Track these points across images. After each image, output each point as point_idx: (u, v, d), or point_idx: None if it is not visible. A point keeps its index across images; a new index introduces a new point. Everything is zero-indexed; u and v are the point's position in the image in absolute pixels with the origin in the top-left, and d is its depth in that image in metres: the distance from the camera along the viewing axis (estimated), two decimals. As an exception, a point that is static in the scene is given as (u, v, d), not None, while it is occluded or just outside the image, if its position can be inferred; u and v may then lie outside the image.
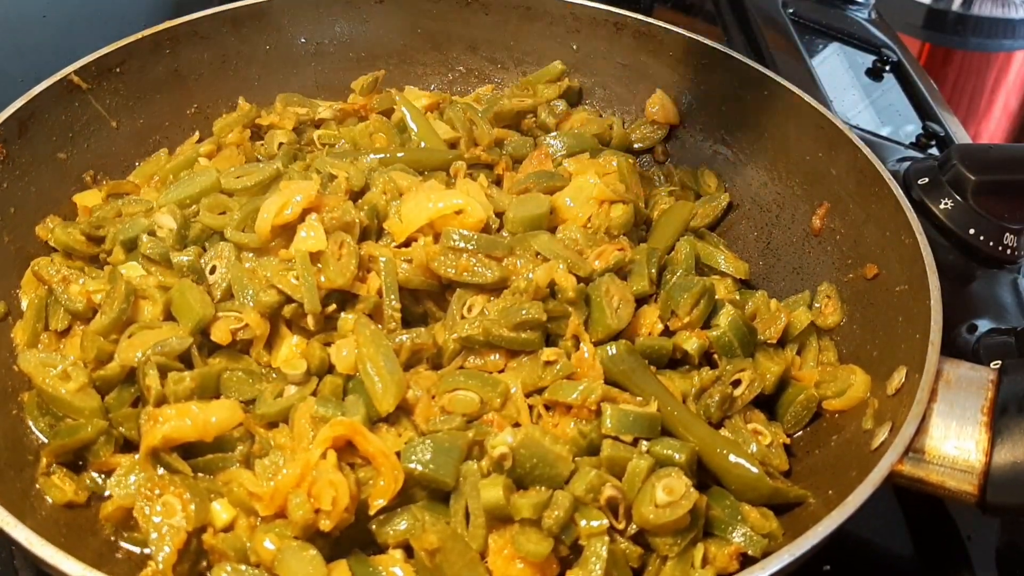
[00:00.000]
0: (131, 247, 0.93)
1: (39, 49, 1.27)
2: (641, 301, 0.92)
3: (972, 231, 1.26)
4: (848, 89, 1.68)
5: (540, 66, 1.28)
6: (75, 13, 1.04)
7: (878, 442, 0.79)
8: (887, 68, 1.74)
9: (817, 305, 0.99)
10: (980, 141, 2.19)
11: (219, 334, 0.85)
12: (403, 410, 0.82)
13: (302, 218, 0.89)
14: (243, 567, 0.73)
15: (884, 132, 1.59)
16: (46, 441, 0.83)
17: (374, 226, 0.93)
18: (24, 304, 0.92)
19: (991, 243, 1.27)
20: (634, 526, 0.76)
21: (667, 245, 1.00)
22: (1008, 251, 1.28)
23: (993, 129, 2.30)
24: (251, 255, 0.90)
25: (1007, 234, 1.28)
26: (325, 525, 0.72)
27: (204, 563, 0.76)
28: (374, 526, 0.75)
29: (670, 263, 0.98)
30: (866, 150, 1.01)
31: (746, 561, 0.77)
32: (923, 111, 1.66)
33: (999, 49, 2.27)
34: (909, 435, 0.76)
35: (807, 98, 1.09)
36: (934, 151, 1.54)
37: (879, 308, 0.94)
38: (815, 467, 0.87)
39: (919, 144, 1.56)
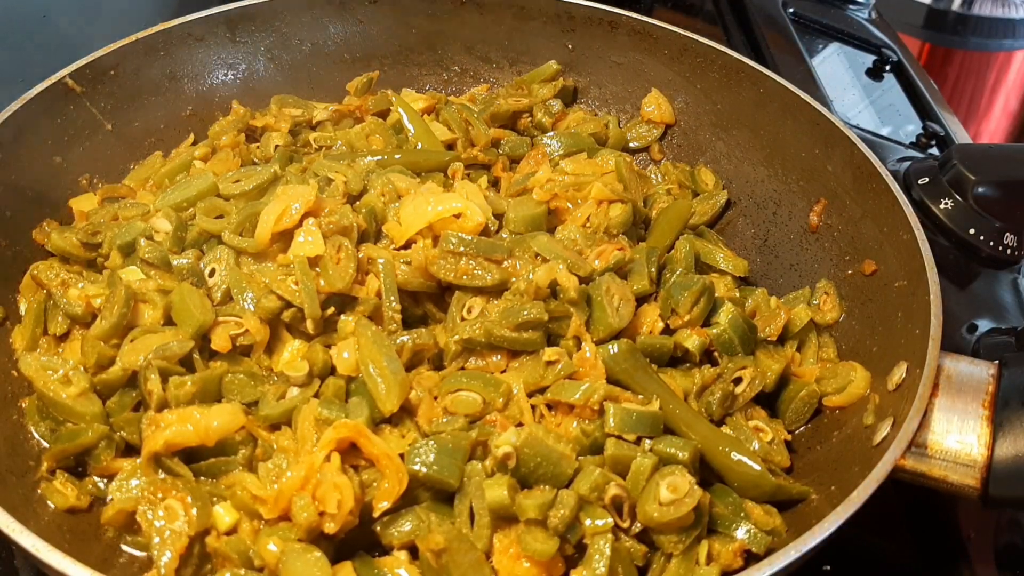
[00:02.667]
0: (128, 251, 0.95)
1: (39, 49, 1.29)
2: (641, 300, 0.95)
3: (972, 231, 1.29)
4: (848, 89, 1.72)
5: (535, 65, 1.31)
6: (75, 13, 1.07)
7: (879, 437, 0.82)
8: (887, 68, 1.78)
9: (816, 302, 1.03)
10: (980, 141, 2.23)
11: (219, 341, 0.87)
12: (406, 411, 0.84)
13: (300, 223, 0.92)
14: (247, 571, 0.76)
15: (884, 132, 1.62)
16: (47, 446, 0.85)
17: (372, 229, 0.96)
18: (23, 308, 0.94)
19: (991, 243, 1.30)
20: (639, 524, 0.79)
21: (666, 244, 1.03)
22: (1008, 251, 1.31)
23: (993, 129, 2.35)
24: (249, 259, 0.93)
25: (1007, 234, 1.31)
26: (330, 528, 0.75)
27: (208, 567, 0.78)
28: (379, 528, 0.78)
29: (670, 261, 1.01)
30: (862, 146, 1.04)
31: (750, 558, 0.80)
32: (923, 111, 1.69)
33: (999, 49, 2.32)
34: (912, 430, 0.79)
35: (803, 95, 1.12)
36: (934, 151, 1.58)
37: (878, 304, 0.97)
38: (817, 463, 0.90)
39: (919, 144, 1.59)
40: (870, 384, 0.91)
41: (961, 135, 1.66)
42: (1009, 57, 2.34)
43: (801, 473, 0.90)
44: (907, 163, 1.40)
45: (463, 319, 0.90)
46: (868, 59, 1.80)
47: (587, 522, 0.77)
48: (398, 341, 0.87)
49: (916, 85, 1.74)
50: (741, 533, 0.80)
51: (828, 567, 0.93)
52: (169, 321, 0.90)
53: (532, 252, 0.94)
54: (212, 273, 0.93)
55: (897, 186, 0.99)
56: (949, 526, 1.01)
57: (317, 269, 0.90)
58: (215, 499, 0.79)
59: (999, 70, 2.35)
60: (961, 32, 2.31)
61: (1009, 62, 2.34)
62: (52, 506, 0.81)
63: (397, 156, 1.08)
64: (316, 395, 0.85)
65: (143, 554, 0.80)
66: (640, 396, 0.86)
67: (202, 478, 0.81)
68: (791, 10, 1.82)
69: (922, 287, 0.89)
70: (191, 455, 0.82)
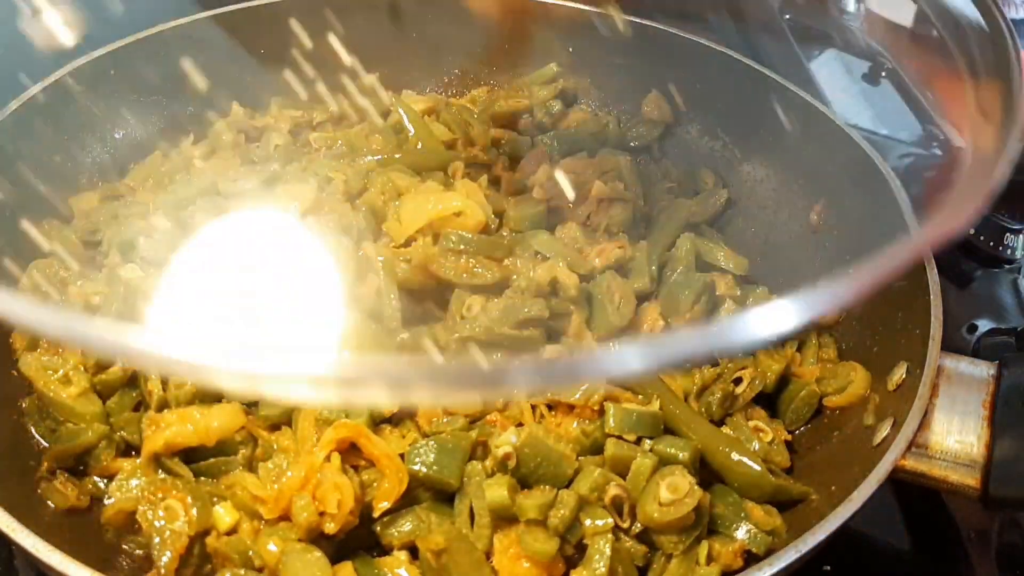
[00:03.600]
0: (128, 250, 0.95)
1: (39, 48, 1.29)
2: (642, 298, 0.95)
3: (972, 231, 1.29)
4: (846, 94, 1.72)
5: (535, 68, 1.32)
6: (74, 13, 1.07)
7: (880, 438, 0.82)
8: (883, 74, 1.78)
9: None
10: (980, 142, 2.22)
11: None
12: (406, 411, 0.84)
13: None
14: (247, 571, 0.76)
15: (883, 133, 1.62)
16: (48, 446, 0.85)
17: (372, 227, 0.96)
18: (22, 308, 0.94)
19: (991, 243, 1.30)
20: (639, 524, 0.79)
21: (667, 242, 1.03)
22: (1008, 251, 1.31)
23: (992, 129, 2.34)
24: (249, 258, 0.93)
25: (1007, 234, 1.31)
26: (330, 528, 0.74)
27: (208, 567, 0.78)
28: (379, 528, 0.78)
29: (670, 260, 1.01)
30: (863, 144, 1.04)
31: (750, 558, 0.80)
32: (921, 115, 1.69)
33: (998, 49, 2.31)
34: (912, 430, 0.79)
35: (802, 94, 1.12)
36: (935, 151, 1.58)
37: (878, 304, 0.98)
38: (817, 463, 0.89)
39: (920, 143, 1.59)
40: (870, 384, 0.91)
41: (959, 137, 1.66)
42: (1008, 58, 2.33)
43: (801, 473, 0.89)
44: (907, 159, 1.40)
45: (463, 317, 0.90)
46: (865, 65, 1.80)
47: (587, 522, 0.77)
48: (397, 340, 0.87)
49: (912, 90, 1.74)
50: (741, 533, 0.80)
51: (828, 567, 0.93)
52: (169, 320, 0.90)
53: (532, 250, 0.94)
54: (212, 273, 0.93)
55: (898, 183, 0.99)
56: (949, 527, 1.01)
57: (317, 269, 0.90)
58: (215, 499, 0.79)
59: (998, 71, 2.34)
60: (960, 33, 2.30)
61: (1008, 63, 2.33)
62: (52, 506, 0.81)
63: (397, 155, 1.07)
64: (316, 395, 0.85)
65: (144, 554, 0.79)
66: (640, 396, 0.86)
67: (202, 478, 0.81)
68: (787, 16, 1.82)
69: (922, 288, 0.89)
70: (191, 455, 0.82)
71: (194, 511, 0.77)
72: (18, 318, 0.43)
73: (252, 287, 0.83)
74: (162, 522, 0.77)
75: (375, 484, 0.78)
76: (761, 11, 1.80)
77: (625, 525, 0.79)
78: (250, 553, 0.76)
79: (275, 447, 0.82)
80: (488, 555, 0.77)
